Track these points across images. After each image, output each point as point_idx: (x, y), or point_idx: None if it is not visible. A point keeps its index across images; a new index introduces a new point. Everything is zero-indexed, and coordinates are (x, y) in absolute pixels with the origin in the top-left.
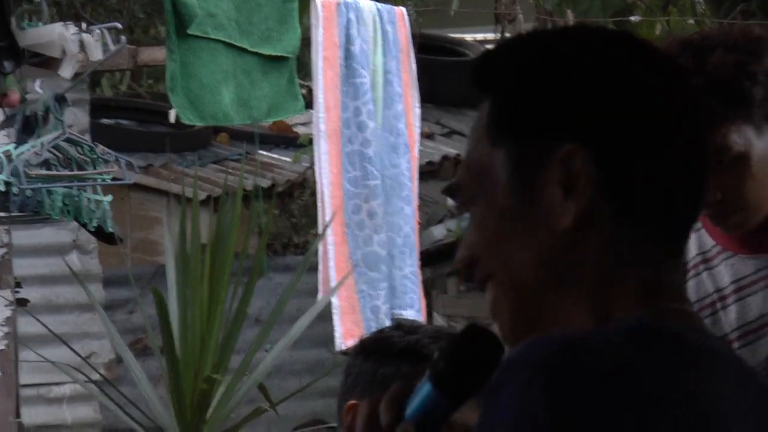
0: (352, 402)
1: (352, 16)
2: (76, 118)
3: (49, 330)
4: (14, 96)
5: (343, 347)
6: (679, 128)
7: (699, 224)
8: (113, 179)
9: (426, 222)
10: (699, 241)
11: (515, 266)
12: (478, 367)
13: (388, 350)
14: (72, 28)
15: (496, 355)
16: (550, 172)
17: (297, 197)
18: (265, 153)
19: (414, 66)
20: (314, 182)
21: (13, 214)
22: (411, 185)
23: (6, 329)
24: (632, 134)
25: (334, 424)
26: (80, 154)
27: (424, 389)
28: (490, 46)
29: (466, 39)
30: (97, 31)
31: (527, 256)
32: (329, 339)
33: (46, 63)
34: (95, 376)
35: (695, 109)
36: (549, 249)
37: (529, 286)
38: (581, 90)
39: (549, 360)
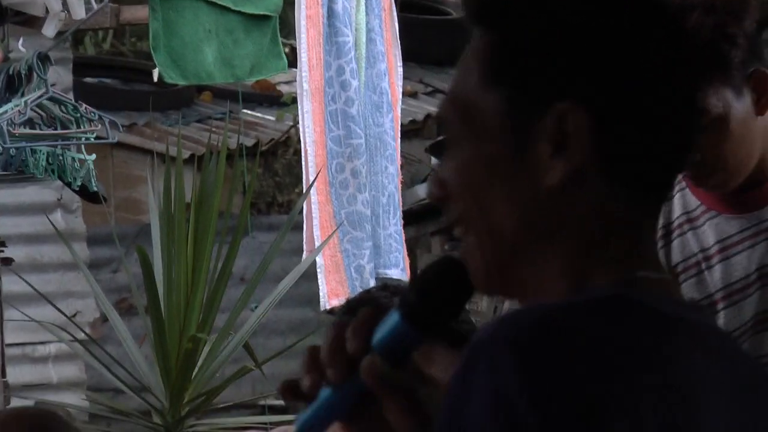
0: None
1: None
2: (60, 76)
3: (34, 289)
4: None
5: (328, 306)
6: (675, 90)
7: (683, 184)
8: (97, 138)
9: (410, 181)
10: (683, 200)
11: (495, 217)
12: (447, 299)
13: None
14: None
15: (467, 289)
16: (544, 127)
17: (281, 156)
18: (248, 112)
19: (396, 24)
20: (298, 141)
21: None
22: (394, 144)
23: None
24: (631, 97)
25: None
26: (64, 113)
27: (392, 319)
28: None
29: None
30: None
31: (509, 209)
32: (314, 298)
33: (29, 22)
34: (80, 336)
35: (691, 69)
36: (532, 205)
37: (508, 240)
38: (588, 47)
39: (520, 338)
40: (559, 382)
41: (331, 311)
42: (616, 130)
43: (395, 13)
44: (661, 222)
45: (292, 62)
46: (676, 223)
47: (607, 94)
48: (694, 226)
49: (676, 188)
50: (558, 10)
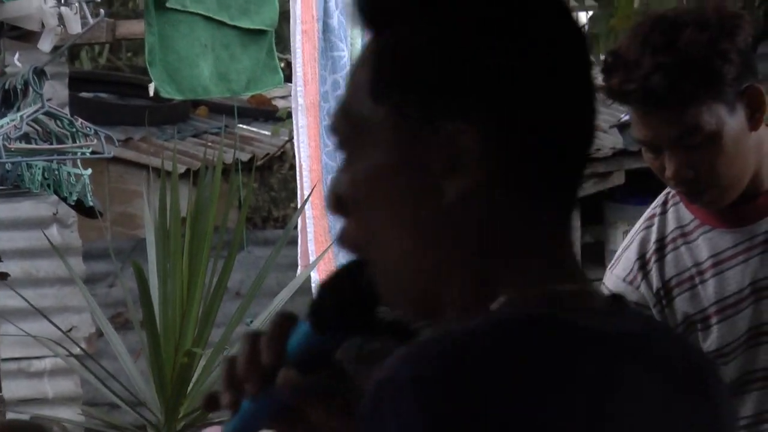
0: None
1: None
2: (56, 91)
3: (30, 304)
4: None
5: None
6: (572, 98)
7: (677, 198)
8: (93, 153)
9: None
10: (677, 214)
11: (393, 234)
12: (351, 304)
13: (374, 325)
14: (51, 1)
15: (374, 294)
16: (435, 145)
17: (276, 171)
18: (244, 126)
19: None
20: (293, 156)
21: None
22: None
23: None
24: (524, 116)
25: None
26: (60, 127)
27: (302, 328)
28: None
29: None
30: (76, 4)
31: (408, 227)
32: None
33: (25, 36)
34: (76, 350)
35: (588, 75)
36: (432, 222)
37: (409, 258)
38: (475, 63)
39: (423, 376)
40: (466, 419)
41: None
42: (510, 147)
43: None
44: (655, 236)
45: (288, 77)
46: (669, 238)
47: (499, 115)
48: (688, 240)
49: (670, 202)
50: (448, 25)
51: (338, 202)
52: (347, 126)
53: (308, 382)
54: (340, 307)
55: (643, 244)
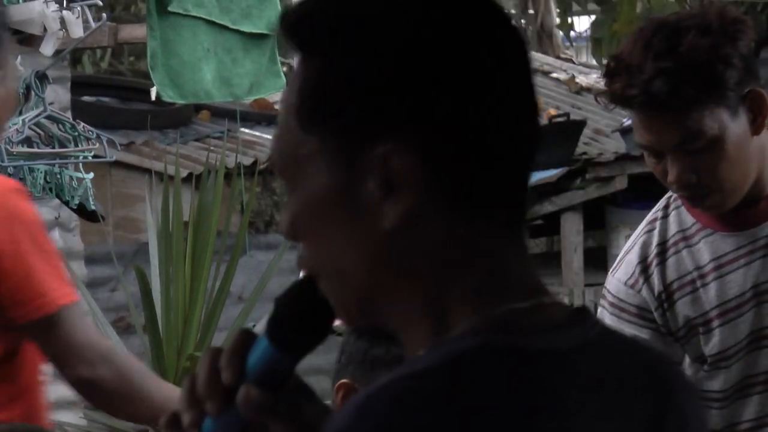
0: (342, 381)
1: None
2: (57, 95)
3: None
4: None
5: None
6: (508, 111)
7: (679, 202)
8: (95, 157)
9: None
10: (679, 218)
11: (340, 259)
12: (310, 320)
13: (379, 330)
14: (53, 5)
15: (330, 309)
16: (369, 170)
17: None
18: (246, 131)
19: None
20: None
21: None
22: None
23: None
24: (457, 130)
25: None
26: (62, 131)
27: (261, 344)
28: None
29: None
30: (78, 8)
31: (353, 251)
32: None
33: (27, 40)
34: None
35: (526, 84)
36: (376, 246)
37: (357, 281)
38: (402, 83)
39: (379, 427)
40: None
41: (333, 331)
42: (447, 166)
43: None
44: (656, 240)
45: None
46: (671, 241)
47: (431, 133)
48: (690, 243)
49: (672, 206)
50: (372, 47)
51: (288, 228)
52: (282, 155)
53: (268, 399)
54: (297, 322)
55: (645, 247)
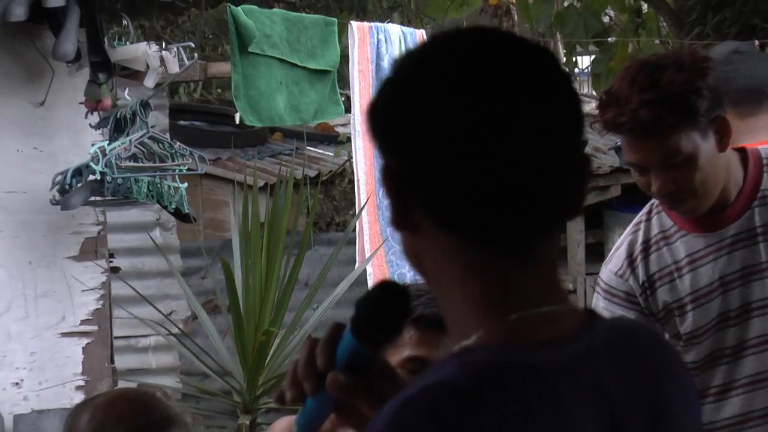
0: None
1: (381, 37)
2: (158, 120)
3: (137, 292)
4: (107, 102)
5: None
6: (522, 143)
7: (660, 208)
8: (188, 170)
9: None
10: (660, 221)
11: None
12: (387, 317)
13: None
14: (153, 47)
15: (405, 307)
16: (391, 191)
17: (338, 184)
18: (311, 148)
19: None
20: (352, 172)
21: (107, 198)
22: None
23: (102, 292)
24: (459, 155)
25: None
26: (161, 149)
27: (346, 337)
28: None
29: None
30: (174, 49)
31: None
32: None
33: (133, 75)
34: (175, 330)
35: (541, 121)
36: (433, 264)
37: (435, 288)
38: (407, 113)
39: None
40: None
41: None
42: (442, 186)
43: None
44: (641, 239)
45: (348, 108)
46: (653, 240)
47: (423, 155)
48: (669, 242)
49: (654, 212)
50: (397, 86)
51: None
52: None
53: (351, 382)
54: (373, 320)
55: (632, 245)
